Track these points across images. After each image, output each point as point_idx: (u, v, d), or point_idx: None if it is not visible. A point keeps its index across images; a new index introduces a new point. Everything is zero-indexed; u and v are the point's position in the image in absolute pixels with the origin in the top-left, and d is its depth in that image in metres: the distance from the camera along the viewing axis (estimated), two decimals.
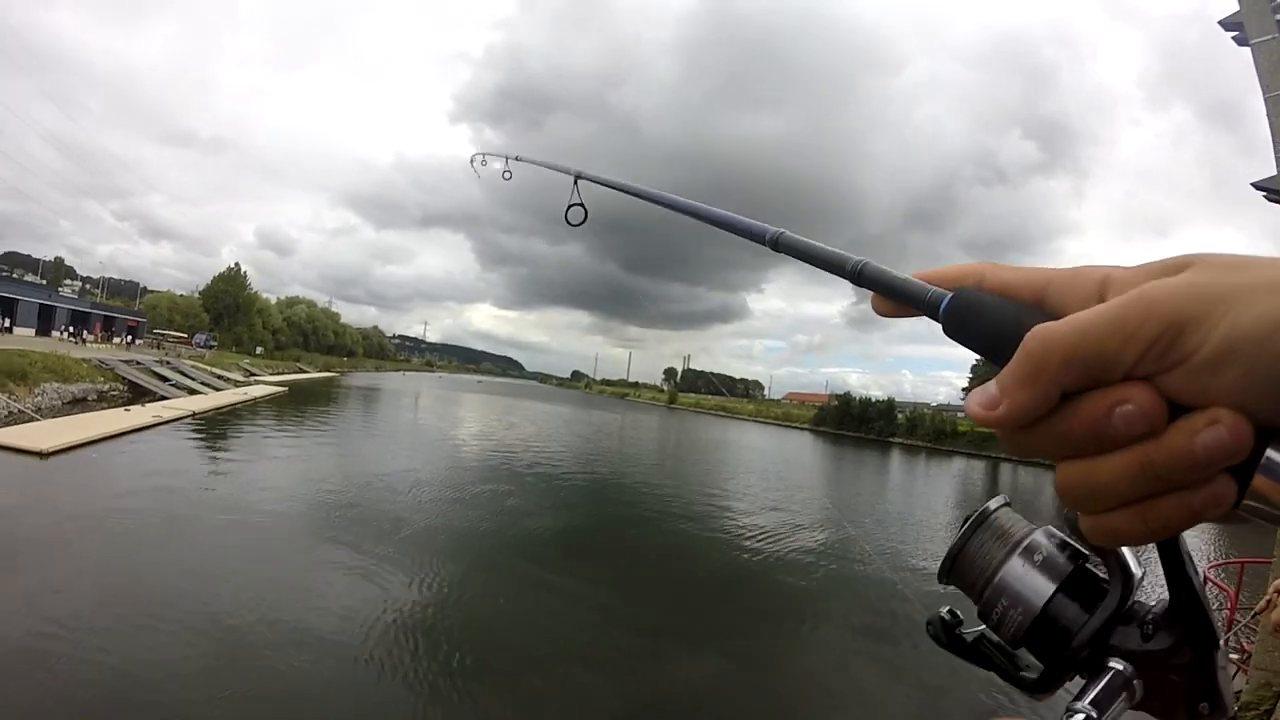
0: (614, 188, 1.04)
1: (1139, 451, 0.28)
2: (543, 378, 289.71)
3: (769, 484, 26.16)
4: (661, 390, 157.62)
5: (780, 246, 0.51)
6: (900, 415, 67.91)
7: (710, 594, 11.19)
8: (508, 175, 2.01)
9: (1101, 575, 0.38)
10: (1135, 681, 0.34)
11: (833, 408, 75.06)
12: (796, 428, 76.50)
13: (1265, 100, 8.66)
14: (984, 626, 0.42)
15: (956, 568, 0.41)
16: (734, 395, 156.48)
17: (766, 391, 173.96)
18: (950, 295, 0.35)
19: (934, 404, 70.14)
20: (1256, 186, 9.71)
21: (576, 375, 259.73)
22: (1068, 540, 0.39)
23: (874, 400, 71.47)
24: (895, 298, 0.39)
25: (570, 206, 1.22)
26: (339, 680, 6.63)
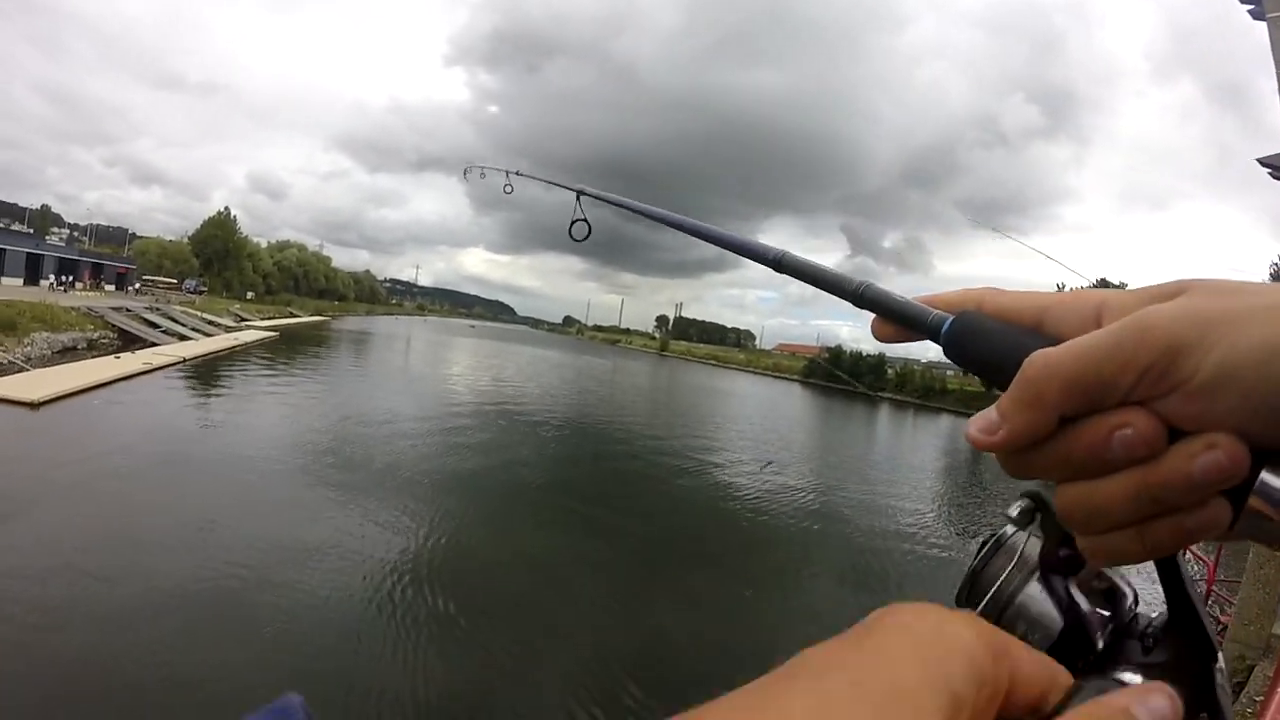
0: (616, 205, 1.01)
1: (1137, 475, 0.28)
2: (534, 323, 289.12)
3: (757, 434, 26.48)
4: (653, 337, 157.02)
5: (783, 267, 0.53)
6: (890, 371, 68.29)
7: (696, 539, 11.46)
8: (509, 189, 2.00)
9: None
10: None
11: (823, 360, 75.23)
12: (786, 378, 76.94)
13: (1278, 75, 8.47)
14: None
15: (976, 590, 0.41)
16: (725, 344, 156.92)
17: (758, 341, 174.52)
18: (951, 319, 0.36)
19: (924, 361, 70.26)
20: (1262, 163, 9.58)
21: (568, 321, 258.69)
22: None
23: (864, 355, 71.70)
24: (896, 321, 0.40)
25: (574, 223, 1.20)
26: (334, 622, 6.78)
